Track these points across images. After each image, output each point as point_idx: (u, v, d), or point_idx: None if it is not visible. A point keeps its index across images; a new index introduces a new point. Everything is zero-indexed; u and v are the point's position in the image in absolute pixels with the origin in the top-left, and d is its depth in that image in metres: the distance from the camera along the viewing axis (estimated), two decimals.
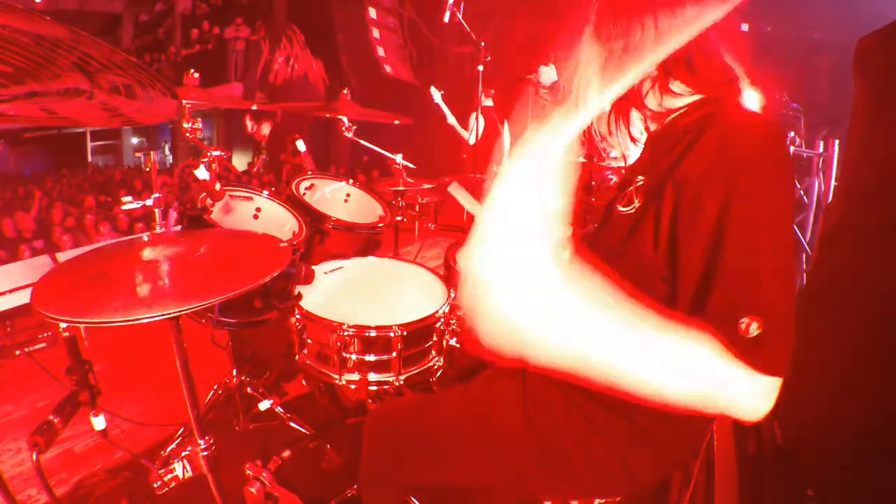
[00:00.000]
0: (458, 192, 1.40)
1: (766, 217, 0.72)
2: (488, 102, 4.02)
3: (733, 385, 0.68)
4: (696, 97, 0.89)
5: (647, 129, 0.98)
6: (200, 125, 1.61)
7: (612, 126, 0.97)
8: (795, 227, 3.18)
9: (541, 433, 0.95)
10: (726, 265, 0.71)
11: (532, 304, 0.71)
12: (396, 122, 2.35)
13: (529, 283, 0.71)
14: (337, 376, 1.27)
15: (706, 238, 0.72)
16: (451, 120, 3.96)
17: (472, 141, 3.96)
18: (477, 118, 3.66)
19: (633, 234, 0.87)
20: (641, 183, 0.91)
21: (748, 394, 0.68)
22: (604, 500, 1.00)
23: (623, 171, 1.05)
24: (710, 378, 0.68)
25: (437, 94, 3.83)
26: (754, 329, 0.67)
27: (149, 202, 1.10)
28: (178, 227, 1.53)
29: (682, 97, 0.89)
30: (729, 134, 0.77)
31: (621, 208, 0.93)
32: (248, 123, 4.15)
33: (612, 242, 0.94)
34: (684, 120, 0.87)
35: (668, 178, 0.79)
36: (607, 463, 0.92)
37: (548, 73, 2.80)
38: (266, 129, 4.10)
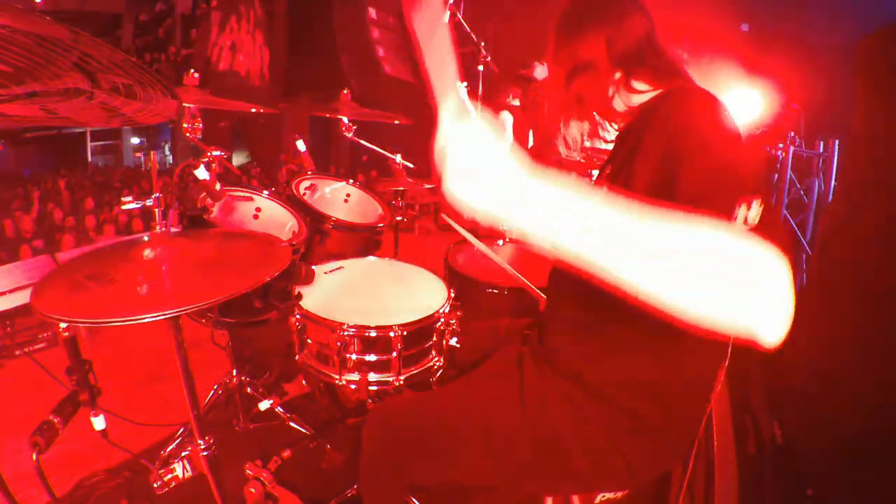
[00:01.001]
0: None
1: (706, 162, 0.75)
2: (515, 102, 4.04)
3: (750, 270, 0.54)
4: (657, 91, 0.97)
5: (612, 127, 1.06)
6: (201, 125, 1.61)
7: (584, 134, 1.04)
8: (795, 227, 3.18)
9: (539, 428, 0.95)
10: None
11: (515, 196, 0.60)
12: (396, 122, 2.35)
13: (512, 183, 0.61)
14: (337, 376, 1.27)
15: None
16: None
17: (508, 141, 4.00)
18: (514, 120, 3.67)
19: None
20: (609, 171, 1.01)
21: (767, 284, 0.54)
22: (606, 498, 1.00)
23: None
24: (724, 262, 0.54)
25: (462, 90, 3.82)
26: (756, 209, 0.69)
27: (149, 202, 1.09)
28: (178, 227, 1.53)
29: (644, 94, 0.98)
30: (671, 108, 0.85)
31: None
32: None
33: None
34: (646, 110, 0.95)
35: (634, 157, 0.87)
36: (606, 456, 0.93)
37: (541, 70, 2.84)
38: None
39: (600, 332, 0.95)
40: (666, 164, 0.78)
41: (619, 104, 1.00)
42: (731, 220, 0.72)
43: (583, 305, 0.97)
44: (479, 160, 0.61)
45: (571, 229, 0.57)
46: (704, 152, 0.76)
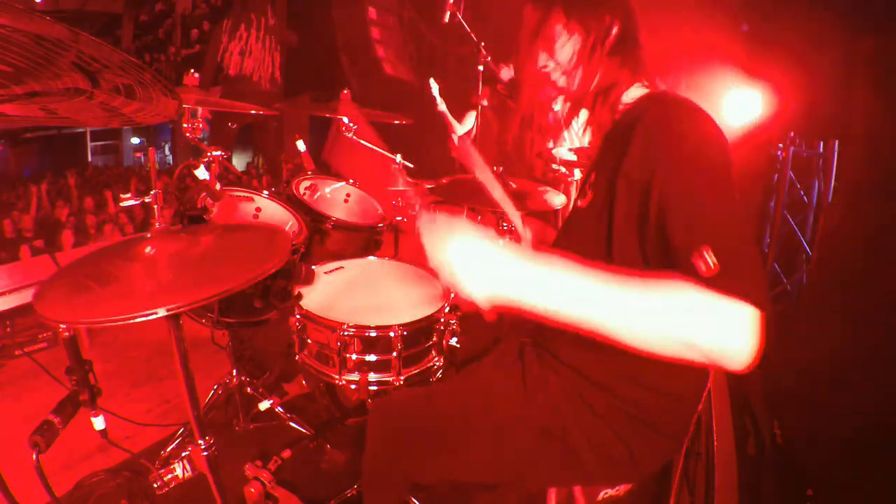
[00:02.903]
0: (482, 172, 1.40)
1: (694, 179, 0.77)
2: (484, 103, 4.05)
3: (710, 318, 0.66)
4: (642, 92, 0.97)
5: (595, 126, 1.05)
6: (201, 125, 1.61)
7: (569, 124, 1.05)
8: (795, 227, 3.18)
9: (542, 420, 0.96)
10: (672, 222, 0.76)
11: (509, 275, 0.76)
12: (396, 122, 2.34)
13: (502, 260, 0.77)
14: (337, 376, 1.27)
15: (652, 219, 0.79)
16: (443, 107, 4.01)
17: (460, 132, 4.04)
18: (477, 117, 3.70)
19: (588, 228, 0.95)
20: (593, 179, 0.99)
21: (728, 326, 0.66)
22: (608, 495, 1.00)
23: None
24: (688, 313, 0.67)
25: (435, 87, 3.88)
26: (711, 260, 0.70)
27: (147, 199, 1.09)
28: (178, 227, 1.53)
29: (629, 92, 0.98)
30: (653, 122, 0.85)
31: (579, 203, 1.02)
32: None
33: (572, 235, 1.05)
34: (629, 117, 0.94)
35: (617, 175, 0.86)
36: (609, 445, 0.94)
37: (506, 71, 2.91)
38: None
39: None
40: (651, 198, 0.80)
41: (604, 102, 1.00)
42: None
43: None
44: (484, 262, 0.76)
45: (564, 300, 0.73)
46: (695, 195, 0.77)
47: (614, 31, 0.96)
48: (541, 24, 0.99)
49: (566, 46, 0.97)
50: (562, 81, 1.01)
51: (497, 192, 1.28)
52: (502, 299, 0.75)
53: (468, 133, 4.15)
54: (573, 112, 1.05)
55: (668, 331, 0.68)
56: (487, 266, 0.76)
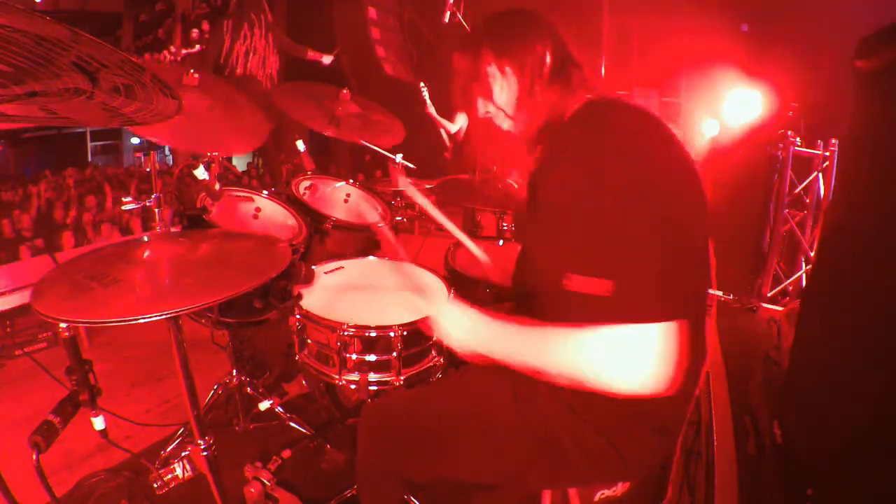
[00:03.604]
0: (410, 188, 1.45)
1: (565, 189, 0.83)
2: None
3: (615, 352, 0.76)
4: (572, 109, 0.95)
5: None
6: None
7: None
8: (795, 226, 3.18)
9: (533, 423, 0.96)
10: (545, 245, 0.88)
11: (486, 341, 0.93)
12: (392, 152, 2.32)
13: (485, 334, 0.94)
14: (337, 376, 1.27)
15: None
16: (432, 110, 4.05)
17: (453, 130, 4.08)
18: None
19: (531, 243, 1.05)
20: (540, 199, 0.99)
21: (629, 354, 0.75)
22: (605, 495, 1.00)
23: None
24: (598, 353, 0.78)
25: (425, 90, 3.93)
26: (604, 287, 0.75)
27: (148, 202, 1.09)
28: (178, 227, 1.53)
29: (563, 111, 0.95)
30: (559, 134, 0.91)
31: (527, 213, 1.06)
32: None
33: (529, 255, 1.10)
34: (564, 125, 0.95)
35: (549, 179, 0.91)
36: (598, 448, 0.93)
37: (462, 119, 3.10)
38: None
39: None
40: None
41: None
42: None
43: (554, 301, 0.98)
44: (465, 329, 0.96)
45: (512, 353, 0.88)
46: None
47: (548, 59, 0.93)
48: (472, 69, 0.97)
49: (504, 89, 0.95)
50: (507, 125, 0.99)
51: (444, 220, 1.34)
52: (474, 351, 0.93)
53: (458, 132, 4.18)
54: (530, 148, 1.02)
55: (589, 372, 0.78)
56: (466, 332, 0.95)
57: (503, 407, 0.99)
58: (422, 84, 3.95)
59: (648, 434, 0.94)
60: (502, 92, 0.96)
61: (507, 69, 0.94)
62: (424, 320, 1.03)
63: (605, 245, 0.78)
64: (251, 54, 4.65)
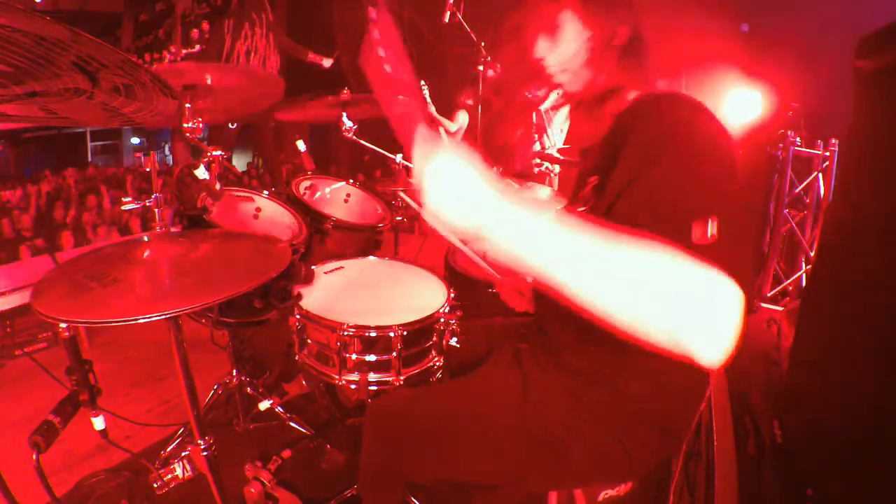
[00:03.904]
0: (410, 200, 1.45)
1: (694, 158, 0.76)
2: (469, 102, 4.12)
3: (700, 289, 0.58)
4: (637, 94, 0.93)
5: (587, 129, 1.00)
6: (201, 125, 1.61)
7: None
8: (795, 226, 3.18)
9: (538, 420, 0.96)
10: (672, 192, 0.74)
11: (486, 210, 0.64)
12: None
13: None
14: (337, 376, 1.27)
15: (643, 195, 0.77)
16: (432, 109, 4.04)
17: (452, 129, 4.09)
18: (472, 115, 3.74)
19: None
20: (596, 182, 0.94)
21: (715, 303, 0.58)
22: (608, 495, 1.00)
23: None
24: (676, 280, 0.58)
25: (424, 89, 3.91)
26: (712, 230, 0.69)
27: (149, 202, 1.09)
28: (178, 227, 1.53)
29: (628, 94, 0.94)
30: (652, 117, 0.84)
31: (580, 209, 0.96)
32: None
33: None
34: (627, 118, 0.91)
35: (622, 175, 0.83)
36: (605, 447, 0.93)
37: (491, 72, 3.01)
38: None
39: (591, 329, 0.95)
40: (635, 172, 0.79)
41: (601, 106, 0.96)
42: (688, 234, 0.72)
43: (569, 311, 0.97)
44: (455, 182, 0.65)
45: (535, 246, 0.61)
46: (675, 161, 0.76)
47: (626, 33, 0.91)
48: (548, 7, 0.91)
49: (573, 40, 0.90)
50: (560, 77, 0.94)
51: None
52: (464, 226, 0.64)
53: (458, 131, 4.18)
54: (564, 107, 1.01)
55: (646, 293, 0.58)
56: (463, 185, 0.64)
57: (508, 405, 0.99)
58: (421, 83, 3.95)
59: (657, 434, 0.94)
60: (569, 43, 0.90)
61: (587, 24, 0.89)
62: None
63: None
64: (252, 54, 4.64)
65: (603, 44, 0.90)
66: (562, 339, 1.01)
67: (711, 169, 0.77)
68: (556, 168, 3.21)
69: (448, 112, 4.23)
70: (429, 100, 3.97)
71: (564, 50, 0.91)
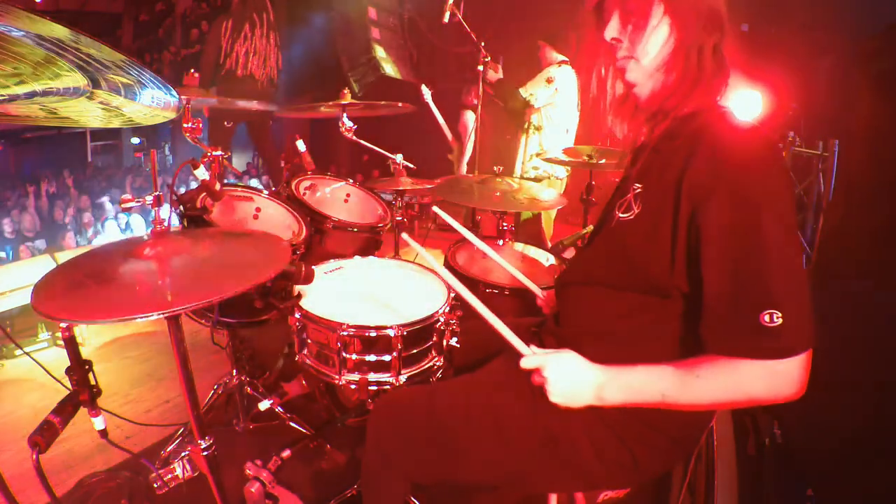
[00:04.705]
0: (442, 213, 1.48)
1: (770, 217, 0.74)
2: (475, 101, 4.09)
3: (770, 381, 0.76)
4: (694, 109, 0.88)
5: (641, 133, 0.98)
6: (201, 125, 1.61)
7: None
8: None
9: (548, 422, 0.95)
10: (741, 267, 0.75)
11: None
12: (399, 104, 2.32)
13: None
14: (337, 376, 1.27)
15: (721, 245, 0.76)
16: (436, 112, 4.01)
17: (470, 146, 4.06)
18: (476, 119, 3.72)
19: (635, 241, 0.89)
20: (640, 190, 0.91)
21: (785, 382, 0.75)
22: (609, 496, 1.00)
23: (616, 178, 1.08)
24: (749, 385, 0.77)
25: (427, 93, 3.88)
26: (776, 320, 0.72)
27: (148, 202, 1.09)
28: (178, 227, 1.53)
29: (688, 102, 0.88)
30: (727, 142, 0.80)
31: (621, 214, 0.93)
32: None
33: (613, 247, 0.96)
34: (685, 128, 0.86)
35: (678, 186, 0.80)
36: (614, 453, 0.93)
37: (492, 73, 2.99)
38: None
39: (615, 324, 0.95)
40: (690, 231, 0.80)
41: (664, 118, 0.90)
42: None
43: (600, 299, 0.97)
44: (576, 383, 0.90)
45: (639, 399, 0.86)
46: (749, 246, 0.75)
47: (712, 44, 0.85)
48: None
49: (655, 37, 0.84)
50: (632, 76, 0.89)
51: (510, 268, 1.34)
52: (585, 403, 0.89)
53: (466, 133, 4.16)
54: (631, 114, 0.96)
55: (732, 398, 0.80)
56: (578, 386, 0.89)
57: (517, 407, 0.99)
58: (423, 86, 3.92)
59: (666, 441, 0.94)
60: (652, 39, 0.84)
61: (674, 23, 0.83)
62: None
63: (780, 275, 0.74)
64: (251, 55, 4.61)
65: (685, 53, 0.85)
66: (578, 341, 1.01)
67: (777, 223, 0.74)
68: (559, 170, 3.20)
69: (454, 113, 4.20)
70: (432, 104, 3.94)
71: (644, 42, 0.85)
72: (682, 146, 0.83)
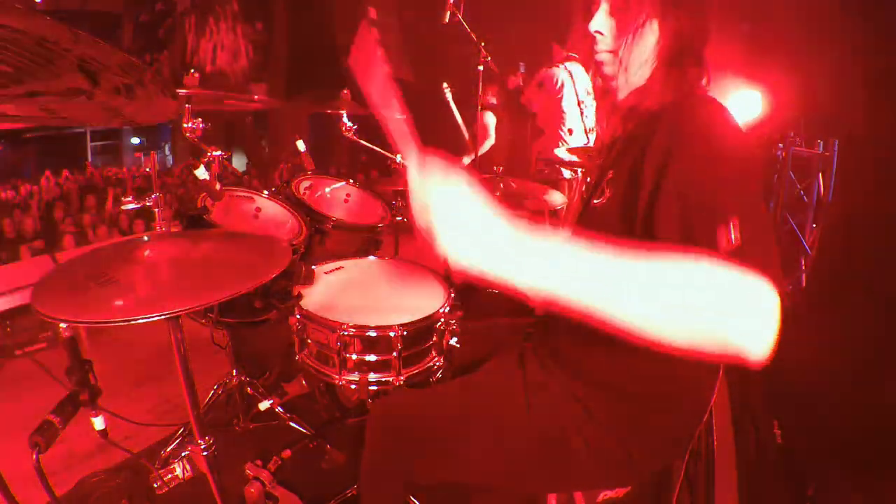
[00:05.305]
0: None
1: (729, 170, 0.73)
2: (493, 101, 4.05)
3: (735, 295, 0.59)
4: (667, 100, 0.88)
5: (619, 127, 0.98)
6: (201, 125, 1.61)
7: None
8: (795, 227, 3.18)
9: (541, 422, 0.96)
10: (696, 196, 0.69)
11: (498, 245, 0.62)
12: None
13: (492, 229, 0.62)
14: (337, 376, 1.27)
15: (676, 193, 0.72)
16: (456, 112, 3.92)
17: (492, 141, 4.01)
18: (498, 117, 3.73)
19: (610, 221, 0.88)
20: (612, 176, 0.92)
21: (752, 305, 0.59)
22: (608, 496, 1.00)
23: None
24: (711, 290, 0.59)
25: (448, 93, 3.77)
26: (735, 234, 0.65)
27: (149, 202, 1.10)
28: (178, 227, 1.53)
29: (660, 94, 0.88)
30: (689, 110, 0.80)
31: (595, 201, 0.95)
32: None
33: (588, 234, 0.95)
34: (658, 116, 0.86)
35: (642, 157, 0.80)
36: (608, 449, 0.93)
37: (512, 79, 3.14)
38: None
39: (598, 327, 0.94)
40: (669, 174, 0.74)
41: (636, 113, 0.91)
42: (716, 237, 0.67)
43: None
44: (468, 218, 0.62)
45: (559, 276, 0.61)
46: (696, 162, 0.73)
47: (695, 48, 0.85)
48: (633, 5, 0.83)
49: (639, 36, 0.84)
50: (610, 70, 0.89)
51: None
52: (480, 267, 0.62)
53: (486, 135, 4.07)
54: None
55: (689, 311, 0.59)
56: (474, 225, 0.62)
57: (512, 407, 0.99)
58: (445, 84, 3.79)
59: (660, 440, 0.94)
60: (632, 37, 0.84)
61: (660, 27, 0.83)
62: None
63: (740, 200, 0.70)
64: (219, 49, 4.52)
65: (666, 55, 0.84)
66: (566, 341, 1.01)
67: (731, 168, 0.74)
68: (566, 172, 3.19)
69: (471, 113, 4.11)
70: (453, 104, 3.87)
71: (626, 39, 0.84)
72: (651, 126, 0.83)
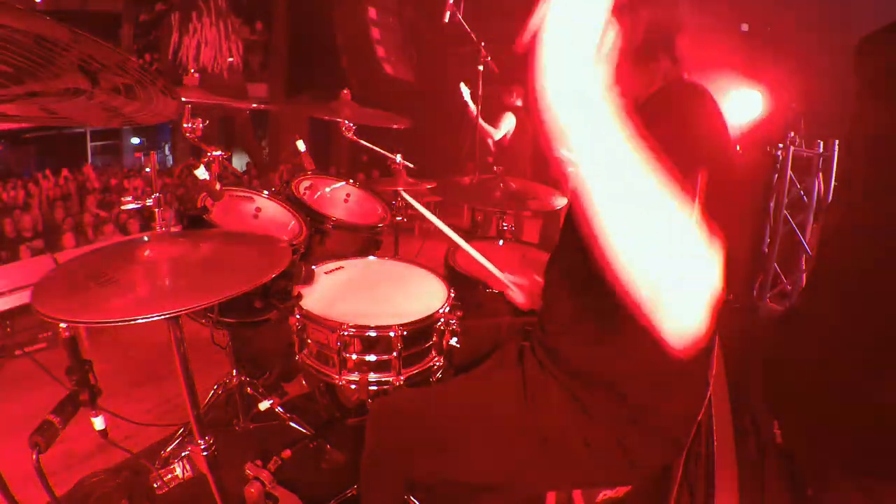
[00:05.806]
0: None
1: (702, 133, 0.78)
2: (518, 102, 3.99)
3: (687, 247, 0.57)
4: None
5: None
6: (201, 125, 1.61)
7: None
8: (795, 227, 3.18)
9: (541, 421, 0.96)
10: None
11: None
12: (395, 126, 2.31)
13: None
14: (337, 376, 1.27)
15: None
16: (481, 120, 3.83)
17: (497, 136, 3.93)
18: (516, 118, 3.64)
19: None
20: None
21: (700, 274, 0.58)
22: (608, 496, 1.00)
23: None
24: (662, 234, 0.57)
25: (466, 92, 3.66)
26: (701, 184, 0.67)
27: (149, 202, 1.09)
28: (178, 227, 1.53)
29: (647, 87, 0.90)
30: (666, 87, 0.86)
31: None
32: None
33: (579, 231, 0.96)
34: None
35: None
36: (606, 448, 0.94)
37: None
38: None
39: (597, 319, 0.95)
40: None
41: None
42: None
43: (578, 294, 0.97)
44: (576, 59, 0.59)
45: (596, 155, 0.58)
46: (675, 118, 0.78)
47: (664, 45, 0.87)
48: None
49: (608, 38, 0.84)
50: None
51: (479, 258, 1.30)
52: (561, 113, 0.58)
53: (504, 137, 3.99)
54: None
55: (653, 237, 0.57)
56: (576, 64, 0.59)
57: (511, 405, 1.00)
58: (462, 84, 3.61)
59: (657, 439, 0.95)
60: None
61: (621, 26, 0.79)
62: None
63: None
64: (203, 46, 4.45)
65: (632, 54, 0.83)
66: (563, 339, 1.01)
67: (704, 128, 0.79)
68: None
69: (492, 117, 4.04)
70: (471, 103, 3.79)
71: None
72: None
